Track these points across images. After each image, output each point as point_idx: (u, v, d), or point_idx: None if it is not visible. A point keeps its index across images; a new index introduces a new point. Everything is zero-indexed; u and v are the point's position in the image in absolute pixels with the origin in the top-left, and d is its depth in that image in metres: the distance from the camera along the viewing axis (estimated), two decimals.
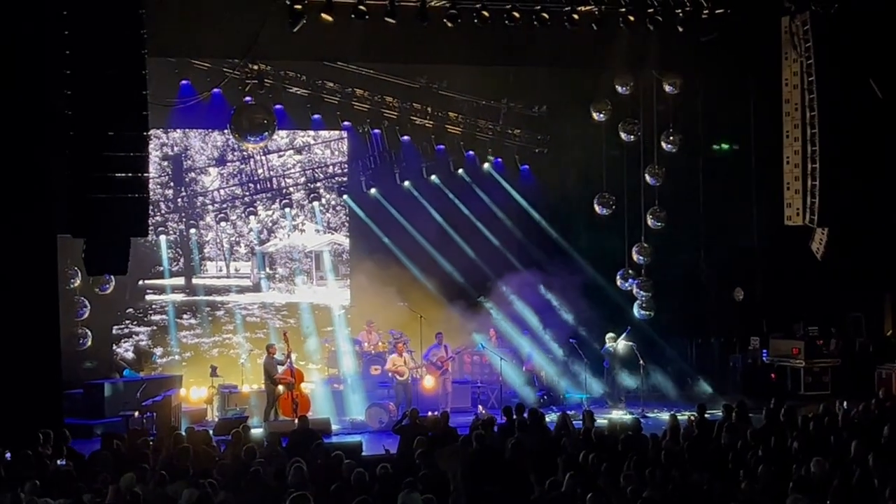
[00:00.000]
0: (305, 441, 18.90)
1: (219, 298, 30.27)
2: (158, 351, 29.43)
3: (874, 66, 24.54)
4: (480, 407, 26.65)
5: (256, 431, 22.47)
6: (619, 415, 26.27)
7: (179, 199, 29.98)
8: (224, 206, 30.21)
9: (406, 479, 14.96)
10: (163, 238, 29.63)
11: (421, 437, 18.19)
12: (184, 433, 19.55)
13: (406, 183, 30.81)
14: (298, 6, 23.00)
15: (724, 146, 31.77)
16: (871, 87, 24.46)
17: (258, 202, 30.47)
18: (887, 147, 24.69)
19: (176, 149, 29.87)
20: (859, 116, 24.75)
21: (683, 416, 22.00)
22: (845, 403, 21.45)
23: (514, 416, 20.27)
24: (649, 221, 29.08)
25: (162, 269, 29.77)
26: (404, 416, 21.37)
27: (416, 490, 14.33)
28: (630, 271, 29.37)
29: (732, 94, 29.60)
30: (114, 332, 29.05)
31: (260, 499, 15.13)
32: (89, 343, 26.88)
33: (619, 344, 28.28)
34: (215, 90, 27.06)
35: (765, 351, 30.34)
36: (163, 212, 29.69)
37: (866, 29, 24.28)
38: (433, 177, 30.95)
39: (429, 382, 27.18)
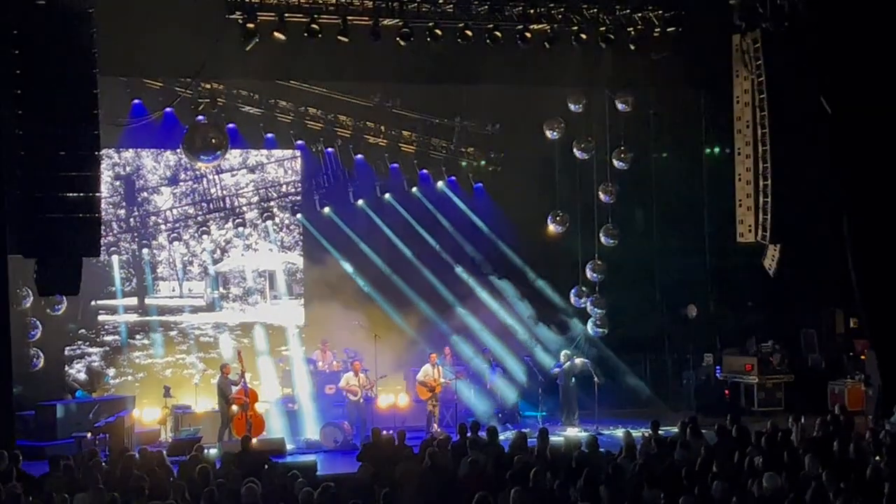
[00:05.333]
0: (253, 463, 18.72)
1: (172, 318, 30.09)
2: (111, 372, 29.21)
3: (824, 84, 24.70)
4: (435, 425, 26.63)
5: (210, 452, 22.35)
6: (575, 432, 26.32)
7: (132, 219, 29.82)
8: (177, 225, 30.07)
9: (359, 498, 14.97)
10: (115, 258, 29.45)
11: (365, 464, 18.19)
12: (137, 454, 19.41)
13: (360, 202, 30.79)
14: (251, 25, 23.00)
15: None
16: (822, 104, 24.61)
17: (211, 222, 30.34)
18: (838, 164, 24.84)
19: (128, 168, 29.72)
20: (810, 133, 24.90)
21: (638, 433, 22.01)
22: (802, 419, 21.53)
23: (469, 434, 20.25)
24: (602, 239, 29.18)
25: (114, 289, 29.56)
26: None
27: None
28: (584, 288, 29.46)
29: (684, 112, 29.75)
30: (66, 352, 28.80)
31: None
32: (41, 364, 26.69)
33: (576, 360, 28.25)
34: (167, 109, 27.06)
35: (718, 367, 30.45)
36: (115, 232, 29.50)
37: (816, 46, 24.45)
38: (387, 195, 30.94)
39: (401, 401, 27.70)
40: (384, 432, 24.42)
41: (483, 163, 31.36)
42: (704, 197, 30.57)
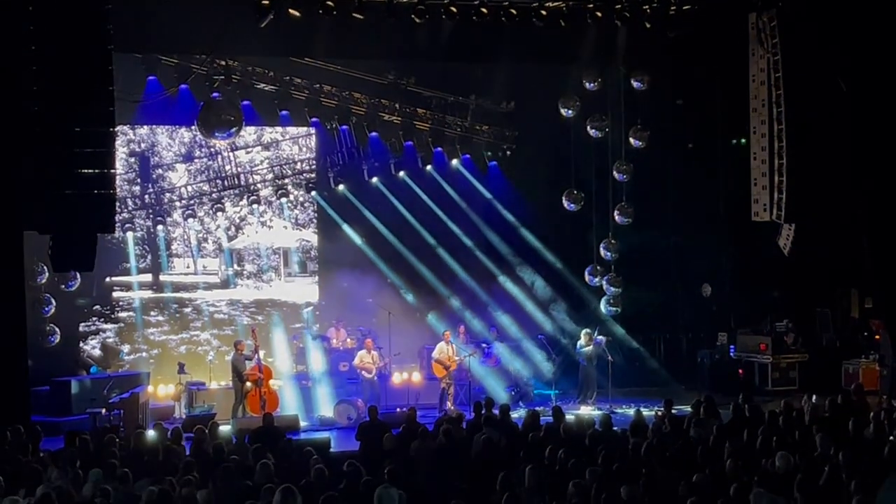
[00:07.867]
0: (270, 439, 18.79)
1: (186, 295, 30.14)
2: (126, 348, 29.27)
3: (841, 62, 24.60)
4: (449, 403, 26.66)
5: (224, 428, 22.40)
6: (588, 411, 26.30)
7: (146, 196, 29.84)
8: (191, 202, 30.09)
9: (375, 474, 14.99)
10: (130, 235, 29.45)
11: (388, 434, 18.21)
12: (151, 430, 19.46)
13: (374, 179, 30.74)
14: (266, 1, 22.91)
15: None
16: (838, 83, 24.52)
17: (226, 199, 30.34)
18: (854, 142, 24.75)
19: (143, 145, 29.73)
20: (826, 112, 24.80)
21: (651, 412, 22.01)
22: (814, 398, 21.50)
23: (483, 412, 20.26)
24: (617, 217, 29.09)
25: (129, 265, 29.58)
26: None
27: (393, 486, 14.35)
28: (598, 267, 29.40)
29: (699, 90, 29.66)
30: (80, 328, 28.87)
31: (231, 495, 15.05)
32: (57, 340, 26.71)
33: (597, 339, 28.15)
34: (182, 86, 26.98)
35: (732, 346, 30.40)
36: (130, 208, 29.51)
37: (833, 25, 24.34)
38: (401, 173, 30.89)
39: (414, 378, 28.01)
40: (397, 409, 24.65)
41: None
42: (719, 175, 30.45)
